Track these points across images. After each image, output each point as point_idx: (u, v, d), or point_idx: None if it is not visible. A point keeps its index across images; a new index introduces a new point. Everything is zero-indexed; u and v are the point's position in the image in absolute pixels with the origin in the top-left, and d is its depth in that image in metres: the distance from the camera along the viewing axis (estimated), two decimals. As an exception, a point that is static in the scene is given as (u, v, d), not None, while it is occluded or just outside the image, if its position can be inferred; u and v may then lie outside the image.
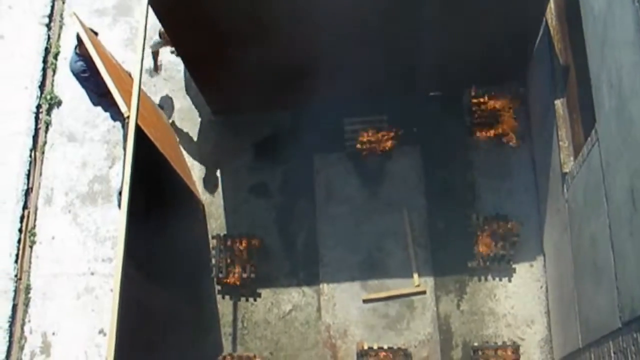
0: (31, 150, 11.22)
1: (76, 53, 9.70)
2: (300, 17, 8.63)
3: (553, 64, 8.90)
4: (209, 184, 10.81)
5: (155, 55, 10.85)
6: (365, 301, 10.05)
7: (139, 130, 7.80)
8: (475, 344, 9.66)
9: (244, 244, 10.06)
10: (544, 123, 9.41)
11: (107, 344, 6.79)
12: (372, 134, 10.15)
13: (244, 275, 10.04)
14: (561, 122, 8.73)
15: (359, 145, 10.21)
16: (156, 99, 11.15)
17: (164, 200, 9.00)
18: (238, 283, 10.07)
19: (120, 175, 10.44)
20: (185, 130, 11.10)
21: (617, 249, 6.73)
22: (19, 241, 10.78)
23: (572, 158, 8.51)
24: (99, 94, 9.81)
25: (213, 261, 10.20)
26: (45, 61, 11.71)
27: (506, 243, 9.80)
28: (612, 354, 6.94)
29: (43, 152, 11.21)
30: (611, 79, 6.65)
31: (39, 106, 11.47)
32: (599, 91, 7.06)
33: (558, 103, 8.78)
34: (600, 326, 7.31)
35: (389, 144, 10.15)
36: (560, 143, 8.69)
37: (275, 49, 9.21)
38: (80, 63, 9.67)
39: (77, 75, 9.85)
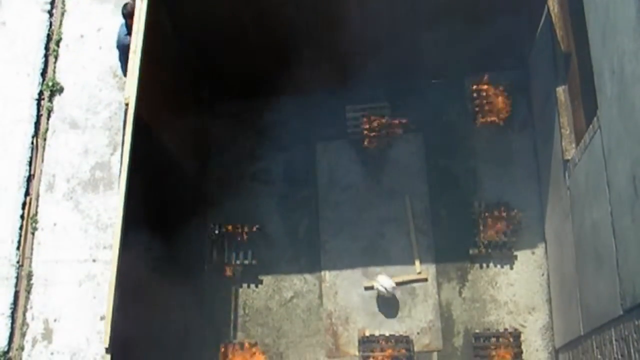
0: (33, 137, 11.23)
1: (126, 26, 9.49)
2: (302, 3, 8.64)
3: (555, 51, 8.87)
4: (211, 171, 10.80)
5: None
6: (366, 288, 10.06)
7: (138, 118, 7.78)
8: (477, 331, 9.68)
9: (245, 231, 10.06)
10: (545, 110, 9.38)
11: (105, 329, 6.84)
12: (377, 121, 10.12)
13: (246, 262, 10.05)
14: (563, 109, 8.71)
15: (365, 132, 10.18)
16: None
17: (164, 186, 8.99)
18: (239, 270, 10.08)
19: (122, 162, 10.45)
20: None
21: (619, 236, 6.73)
22: (20, 228, 10.81)
23: (573, 145, 8.50)
24: None
25: (214, 248, 10.20)
26: (47, 48, 11.70)
27: (508, 230, 9.82)
28: (614, 341, 6.94)
29: (45, 139, 11.21)
30: (613, 65, 6.63)
31: (40, 93, 11.47)
32: (601, 78, 7.04)
33: (560, 90, 8.75)
34: (602, 313, 7.31)
35: (397, 130, 10.12)
36: (562, 130, 8.67)
37: (276, 34, 9.21)
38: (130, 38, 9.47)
39: (124, 47, 9.53)
